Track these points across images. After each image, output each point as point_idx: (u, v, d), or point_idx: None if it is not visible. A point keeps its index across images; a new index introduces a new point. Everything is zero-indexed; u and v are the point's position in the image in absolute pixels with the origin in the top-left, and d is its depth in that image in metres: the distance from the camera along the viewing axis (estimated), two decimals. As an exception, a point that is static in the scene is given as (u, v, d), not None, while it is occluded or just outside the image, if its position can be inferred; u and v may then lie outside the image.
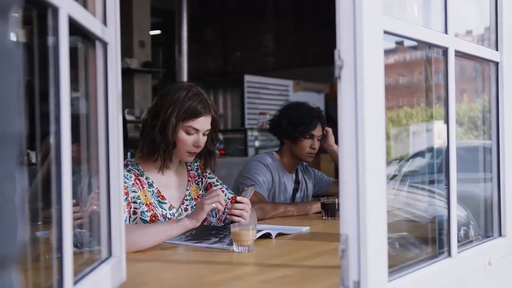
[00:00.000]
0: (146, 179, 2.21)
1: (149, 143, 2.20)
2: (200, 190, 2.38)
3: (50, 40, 1.01)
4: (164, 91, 2.24)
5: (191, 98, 2.18)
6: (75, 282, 1.09)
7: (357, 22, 1.16)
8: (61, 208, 1.00)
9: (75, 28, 1.11)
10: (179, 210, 2.27)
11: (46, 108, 1.03)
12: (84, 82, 1.34)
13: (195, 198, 2.34)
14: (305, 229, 2.34)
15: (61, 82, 1.00)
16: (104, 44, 1.34)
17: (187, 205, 2.31)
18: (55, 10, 0.99)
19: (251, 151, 7.33)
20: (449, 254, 1.50)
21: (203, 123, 2.21)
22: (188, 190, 2.34)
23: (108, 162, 1.36)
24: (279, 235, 2.17)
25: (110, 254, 1.36)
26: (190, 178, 2.37)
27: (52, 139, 1.01)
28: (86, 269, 1.22)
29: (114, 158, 1.37)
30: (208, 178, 2.42)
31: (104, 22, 1.34)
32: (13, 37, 0.56)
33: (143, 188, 2.18)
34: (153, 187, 2.22)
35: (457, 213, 1.55)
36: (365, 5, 1.15)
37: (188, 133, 2.19)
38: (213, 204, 1.97)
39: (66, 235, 1.00)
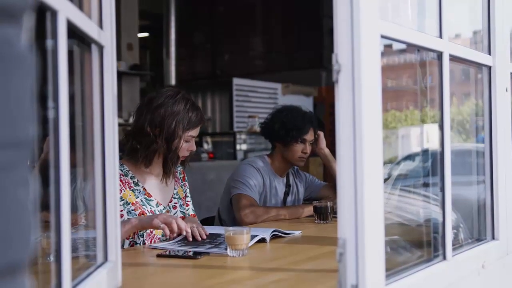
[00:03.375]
0: (131, 178, 2.27)
1: (152, 153, 2.25)
2: (183, 192, 2.48)
3: (48, 43, 1.00)
4: (159, 102, 2.25)
5: (191, 109, 2.29)
6: (73, 287, 1.08)
7: (354, 27, 1.16)
8: (59, 213, 0.99)
9: (72, 31, 1.10)
10: (167, 207, 2.36)
11: (43, 111, 1.02)
12: (79, 85, 1.33)
13: (182, 198, 2.45)
14: (298, 233, 2.34)
15: (59, 85, 0.99)
16: (100, 47, 1.33)
17: (175, 203, 2.40)
18: (54, 13, 0.98)
19: (240, 155, 7.31)
20: (444, 257, 1.51)
21: (198, 130, 2.35)
22: (176, 189, 2.43)
23: (104, 165, 1.35)
24: (274, 237, 2.17)
25: (106, 259, 1.35)
26: (176, 179, 2.47)
27: (50, 143, 1.00)
28: (83, 274, 1.21)
29: (110, 162, 1.36)
30: (187, 187, 2.52)
31: (100, 25, 1.33)
32: (25, 42, 0.55)
33: (126, 189, 2.23)
34: (139, 186, 2.28)
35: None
36: (362, 10, 1.16)
37: (186, 141, 2.30)
38: (161, 225, 1.98)
39: (65, 241, 0.99)
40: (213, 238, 2.13)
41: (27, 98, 0.54)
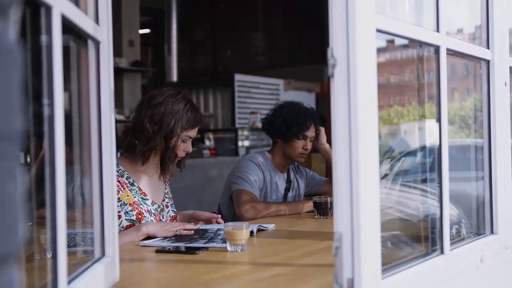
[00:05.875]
0: (126, 179, 2.30)
1: (149, 150, 2.28)
2: (170, 193, 2.53)
3: (43, 38, 1.00)
4: (159, 100, 2.28)
5: (190, 110, 2.31)
6: (69, 282, 1.08)
7: (350, 21, 1.16)
8: (54, 209, 1.00)
9: (68, 27, 1.10)
10: (161, 206, 2.39)
11: (36, 107, 1.02)
12: (76, 81, 1.33)
13: (171, 197, 2.49)
14: (272, 226, 2.37)
15: (54, 81, 1.00)
16: (97, 43, 1.33)
17: (167, 202, 2.44)
18: (48, 9, 0.98)
19: (242, 151, 7.31)
20: (442, 252, 1.51)
21: (196, 131, 2.38)
22: (166, 189, 2.47)
23: (101, 162, 1.35)
24: (271, 233, 2.19)
25: (103, 253, 1.36)
26: (167, 179, 2.50)
27: (45, 139, 1.00)
28: (80, 269, 1.22)
29: (107, 158, 1.36)
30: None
31: (97, 20, 1.34)
32: (13, 35, 0.56)
33: (124, 188, 2.26)
34: (135, 185, 2.30)
35: (449, 211, 1.56)
36: (357, 4, 1.15)
37: (183, 141, 2.32)
38: (177, 232, 2.13)
39: (60, 236, 1.00)
40: (202, 234, 2.13)
41: (14, 92, 0.55)
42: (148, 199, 2.32)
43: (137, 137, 2.27)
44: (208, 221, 2.42)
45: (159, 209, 2.36)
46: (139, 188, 2.31)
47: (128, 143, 2.29)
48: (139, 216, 2.24)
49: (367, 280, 1.16)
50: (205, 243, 1.97)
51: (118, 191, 2.21)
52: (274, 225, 2.40)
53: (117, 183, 2.22)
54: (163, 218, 2.37)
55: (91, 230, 1.38)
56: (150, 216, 2.28)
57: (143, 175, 2.35)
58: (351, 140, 1.16)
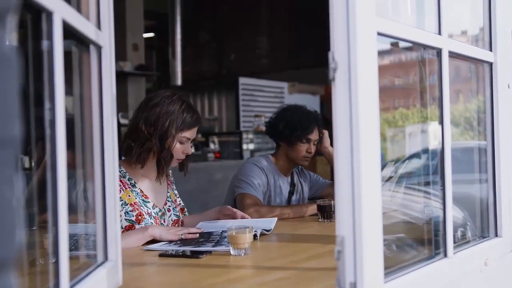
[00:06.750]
0: (128, 180, 2.30)
1: (145, 152, 2.28)
2: (175, 196, 2.52)
3: (44, 44, 1.01)
4: (155, 101, 2.30)
5: (186, 110, 2.30)
6: (71, 286, 1.08)
7: (350, 24, 1.16)
8: (56, 213, 1.00)
9: (69, 32, 1.11)
10: (163, 209, 2.39)
11: (40, 112, 1.02)
12: (78, 86, 1.34)
13: (174, 201, 2.48)
14: (274, 220, 2.41)
15: (55, 86, 1.00)
16: (98, 48, 1.34)
17: (169, 206, 2.44)
18: (49, 14, 0.99)
19: (246, 154, 7.31)
20: (445, 255, 1.50)
21: (194, 132, 2.36)
22: (169, 192, 2.47)
23: (104, 166, 1.36)
24: (262, 234, 2.20)
25: (106, 258, 1.36)
26: (169, 182, 2.50)
27: (47, 144, 1.01)
28: (82, 273, 1.22)
29: (109, 163, 1.37)
30: (175, 190, 2.56)
31: (98, 26, 1.34)
32: (10, 41, 0.56)
33: (126, 189, 2.27)
34: (136, 187, 2.31)
35: (454, 214, 1.55)
36: (358, 7, 1.15)
37: (181, 142, 2.32)
38: (182, 236, 2.13)
39: (62, 241, 1.00)
40: (207, 237, 2.13)
41: (12, 98, 0.55)
42: (149, 202, 2.32)
43: (133, 139, 2.28)
44: (233, 217, 2.46)
45: (160, 213, 2.36)
46: (141, 190, 2.32)
47: (126, 146, 2.30)
48: (139, 217, 2.24)
49: (370, 283, 1.16)
50: (212, 246, 1.97)
51: (120, 190, 2.21)
52: (276, 218, 2.42)
53: (120, 183, 2.23)
54: (164, 222, 2.36)
55: (94, 231, 1.38)
56: (150, 218, 2.28)
57: (144, 179, 2.35)
58: (353, 143, 1.16)
